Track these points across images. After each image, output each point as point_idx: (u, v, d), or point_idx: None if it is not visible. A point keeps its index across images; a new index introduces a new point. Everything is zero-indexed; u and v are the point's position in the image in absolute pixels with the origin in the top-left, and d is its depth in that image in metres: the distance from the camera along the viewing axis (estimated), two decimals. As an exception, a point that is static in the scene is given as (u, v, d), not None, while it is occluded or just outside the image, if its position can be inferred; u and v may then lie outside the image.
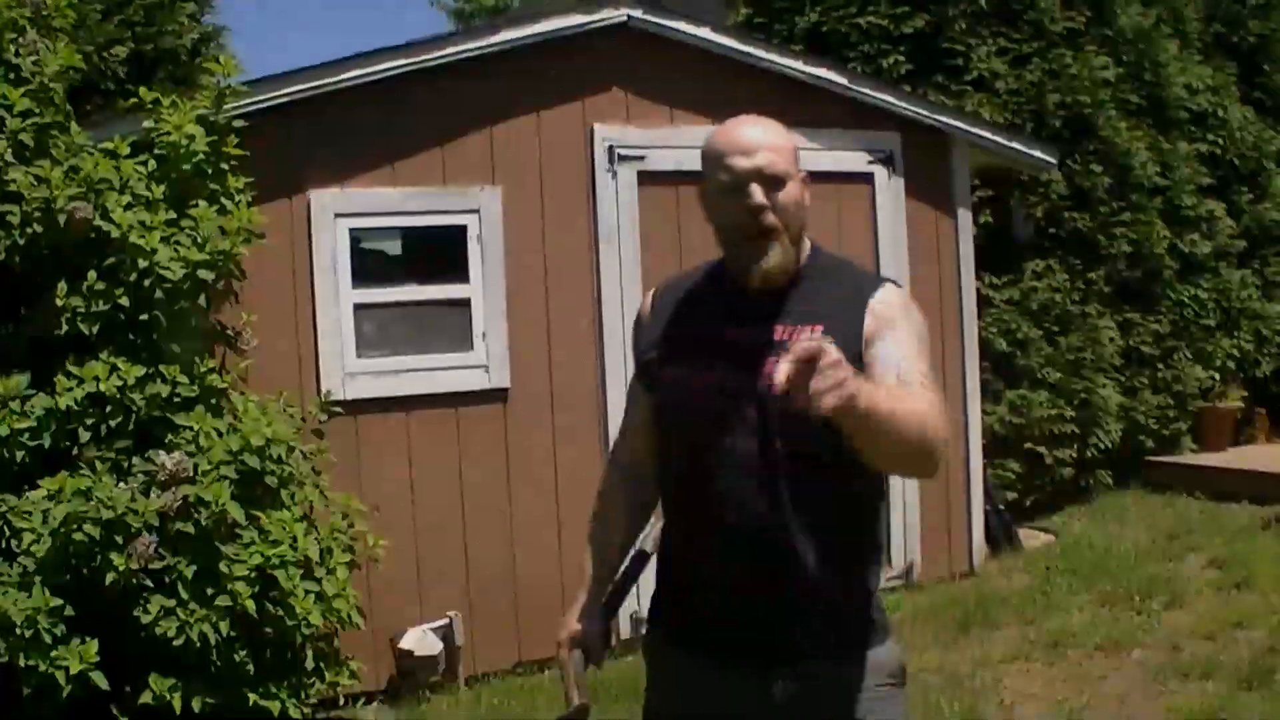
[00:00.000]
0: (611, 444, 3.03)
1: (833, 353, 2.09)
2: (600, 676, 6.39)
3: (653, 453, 2.80)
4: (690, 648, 2.68)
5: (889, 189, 7.87)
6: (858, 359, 2.45)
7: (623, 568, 2.87)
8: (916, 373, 2.48)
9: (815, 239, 2.71)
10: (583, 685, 2.76)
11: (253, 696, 5.18)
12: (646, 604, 2.83)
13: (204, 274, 5.28)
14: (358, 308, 6.46)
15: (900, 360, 2.49)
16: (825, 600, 2.57)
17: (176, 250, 5.24)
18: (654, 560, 2.85)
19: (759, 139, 2.57)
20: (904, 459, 2.37)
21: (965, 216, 8.32)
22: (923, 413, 2.32)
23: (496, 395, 6.72)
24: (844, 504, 2.59)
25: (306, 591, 5.26)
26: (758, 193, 2.53)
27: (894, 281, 2.71)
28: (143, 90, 5.73)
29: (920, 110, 8.02)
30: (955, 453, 8.04)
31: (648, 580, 2.85)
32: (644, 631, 2.92)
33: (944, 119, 8.11)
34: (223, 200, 5.58)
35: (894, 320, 2.57)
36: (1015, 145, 8.50)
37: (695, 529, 2.66)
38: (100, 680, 4.81)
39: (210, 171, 5.57)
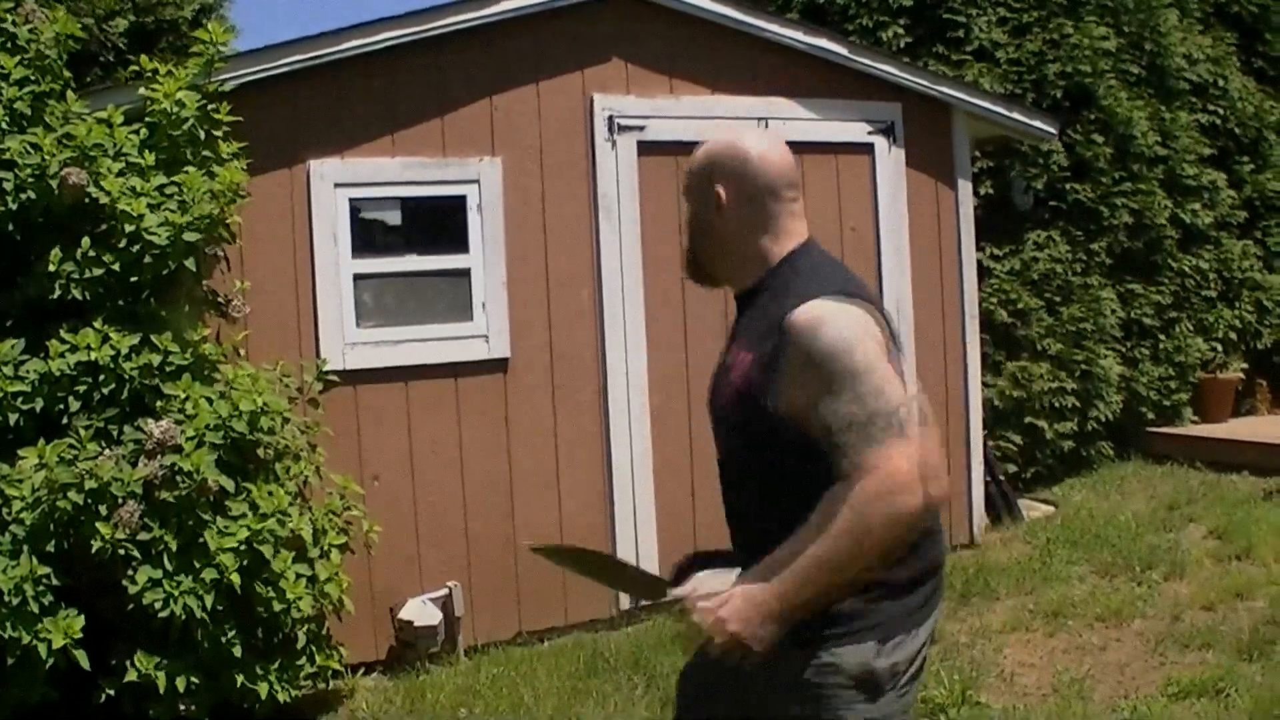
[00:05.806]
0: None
1: (697, 593, 2.52)
2: (601, 644, 6.42)
3: None
4: None
5: (889, 159, 7.85)
6: (768, 371, 2.55)
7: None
8: (853, 432, 2.40)
9: (811, 235, 2.77)
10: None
11: (240, 678, 5.17)
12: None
13: (189, 236, 5.25)
14: (357, 278, 6.45)
15: (837, 429, 2.42)
16: None
17: (166, 216, 5.23)
18: None
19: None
20: (884, 550, 2.42)
21: (965, 187, 8.29)
22: (849, 523, 2.36)
23: (496, 365, 6.71)
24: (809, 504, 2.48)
25: (298, 575, 5.25)
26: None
27: (826, 296, 2.56)
28: (143, 59, 5.72)
29: (920, 81, 7.98)
30: (956, 426, 8.04)
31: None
32: None
33: (944, 89, 8.07)
34: (213, 166, 5.57)
35: (810, 360, 2.48)
36: (1016, 115, 8.47)
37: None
38: (82, 659, 4.81)
39: (201, 137, 5.55)
